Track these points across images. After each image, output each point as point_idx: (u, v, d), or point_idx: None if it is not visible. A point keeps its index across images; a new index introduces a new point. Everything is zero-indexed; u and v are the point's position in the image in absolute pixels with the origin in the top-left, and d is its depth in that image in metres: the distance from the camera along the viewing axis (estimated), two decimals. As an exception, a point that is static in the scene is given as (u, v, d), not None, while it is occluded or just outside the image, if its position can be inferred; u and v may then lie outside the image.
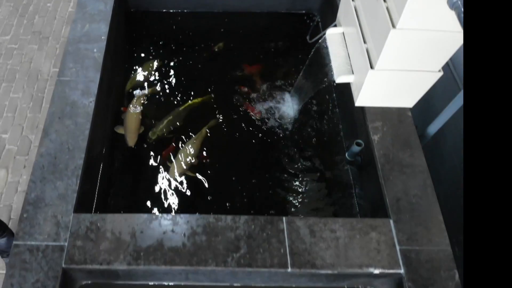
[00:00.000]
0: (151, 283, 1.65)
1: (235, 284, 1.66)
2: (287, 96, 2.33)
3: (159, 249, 1.49)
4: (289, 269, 1.45)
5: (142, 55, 2.55)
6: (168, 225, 1.54)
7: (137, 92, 2.33)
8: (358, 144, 1.82)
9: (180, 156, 2.06)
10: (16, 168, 2.62)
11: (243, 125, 2.21)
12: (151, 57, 2.52)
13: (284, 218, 1.55)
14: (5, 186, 2.55)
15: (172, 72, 2.46)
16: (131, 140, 2.09)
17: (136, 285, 1.66)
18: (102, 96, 1.97)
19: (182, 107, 2.25)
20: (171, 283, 1.66)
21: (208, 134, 2.17)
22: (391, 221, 1.55)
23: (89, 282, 1.65)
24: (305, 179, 2.01)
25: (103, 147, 2.03)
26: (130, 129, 2.11)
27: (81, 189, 1.64)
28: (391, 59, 1.58)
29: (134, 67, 2.46)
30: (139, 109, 2.20)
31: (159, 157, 2.11)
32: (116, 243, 1.49)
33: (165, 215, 1.57)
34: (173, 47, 2.59)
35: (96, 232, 1.52)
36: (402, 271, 1.45)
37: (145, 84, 2.36)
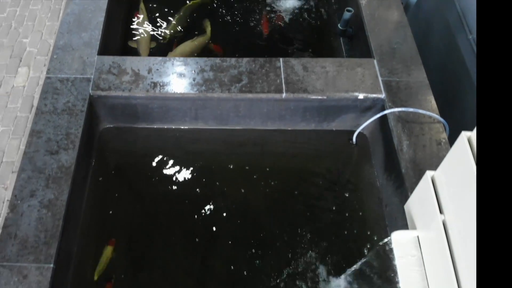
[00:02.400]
0: (165, 126, 1.89)
1: (237, 127, 1.90)
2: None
3: (173, 81, 1.71)
4: (284, 94, 1.67)
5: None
6: (180, 65, 1.77)
7: None
8: (349, 11, 2.03)
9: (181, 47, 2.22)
10: (37, 66, 2.86)
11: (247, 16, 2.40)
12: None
13: (281, 58, 1.77)
14: (27, 80, 2.79)
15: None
16: (144, 53, 2.18)
17: (152, 129, 1.89)
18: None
19: (187, 5, 2.39)
20: (183, 127, 1.90)
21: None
22: (375, 61, 1.77)
23: (111, 126, 1.90)
24: (301, 47, 2.22)
25: (122, 12, 2.25)
26: (142, 43, 2.20)
27: (103, 40, 1.87)
28: None
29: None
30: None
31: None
32: (136, 77, 1.72)
33: (177, 58, 1.80)
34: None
35: (118, 68, 1.75)
36: (383, 95, 1.67)
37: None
